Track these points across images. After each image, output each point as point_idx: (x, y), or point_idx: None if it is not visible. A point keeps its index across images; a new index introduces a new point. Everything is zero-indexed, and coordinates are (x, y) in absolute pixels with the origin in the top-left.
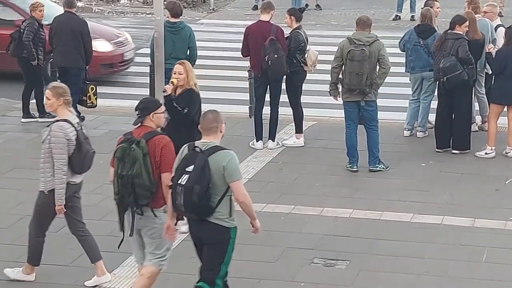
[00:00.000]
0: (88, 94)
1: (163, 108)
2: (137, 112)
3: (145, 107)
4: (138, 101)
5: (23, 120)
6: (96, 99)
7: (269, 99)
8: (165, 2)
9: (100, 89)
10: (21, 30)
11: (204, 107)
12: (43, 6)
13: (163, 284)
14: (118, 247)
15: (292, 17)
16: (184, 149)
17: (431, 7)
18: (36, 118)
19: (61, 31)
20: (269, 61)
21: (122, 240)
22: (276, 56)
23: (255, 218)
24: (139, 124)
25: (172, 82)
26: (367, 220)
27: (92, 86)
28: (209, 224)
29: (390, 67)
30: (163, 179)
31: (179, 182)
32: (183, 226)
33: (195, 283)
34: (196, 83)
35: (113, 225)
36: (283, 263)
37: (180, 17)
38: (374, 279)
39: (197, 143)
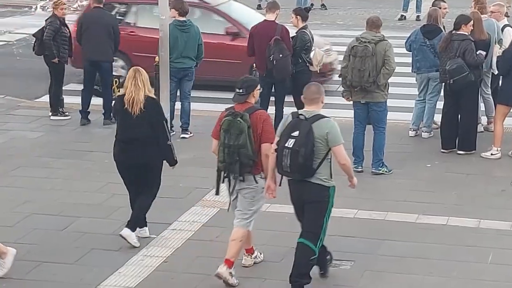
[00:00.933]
0: (112, 87)
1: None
2: (241, 90)
3: (250, 85)
4: (240, 80)
5: (52, 117)
6: (119, 91)
7: (274, 99)
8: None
9: None
10: (44, 29)
11: (210, 106)
12: (64, 4)
13: (168, 283)
14: (228, 210)
15: (298, 16)
16: (288, 117)
17: (439, 8)
18: (68, 116)
19: (93, 26)
20: (274, 61)
21: (230, 203)
22: (281, 55)
23: (352, 177)
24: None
25: None
26: (371, 221)
27: (116, 79)
28: (310, 184)
29: (394, 69)
30: (262, 149)
31: (286, 145)
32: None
33: (297, 239)
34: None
35: (118, 224)
36: (288, 263)
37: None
38: (378, 280)
39: (301, 111)
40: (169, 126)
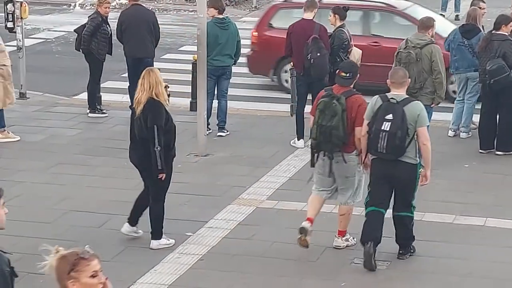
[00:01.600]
0: None
1: None
2: (348, 75)
3: (355, 70)
4: (346, 64)
5: (90, 115)
6: (168, 99)
7: (311, 98)
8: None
9: None
10: (85, 25)
11: (247, 105)
12: (109, 2)
13: (204, 281)
14: (308, 181)
15: (336, 15)
16: (377, 101)
17: (478, 7)
18: (105, 114)
19: (134, 23)
20: (312, 60)
21: (312, 176)
22: (318, 54)
23: (429, 167)
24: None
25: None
26: None
27: (166, 86)
28: (402, 163)
29: (444, 76)
30: (356, 132)
31: (382, 128)
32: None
33: (393, 212)
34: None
35: None
36: (324, 263)
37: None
38: (415, 280)
39: (390, 95)
40: (159, 133)
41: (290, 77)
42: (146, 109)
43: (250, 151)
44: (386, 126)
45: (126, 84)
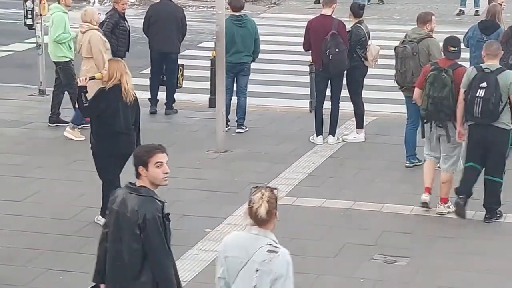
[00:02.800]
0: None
1: None
2: (456, 48)
3: (459, 44)
4: (451, 39)
5: None
6: (182, 80)
7: (330, 94)
8: None
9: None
10: (104, 22)
11: (265, 101)
12: None
13: None
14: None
15: (351, 12)
16: (472, 71)
17: (498, 3)
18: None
19: (162, 18)
20: (330, 55)
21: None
22: (337, 50)
23: None
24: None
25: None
26: (427, 217)
27: (180, 67)
28: (495, 128)
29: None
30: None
31: (477, 95)
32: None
33: (484, 176)
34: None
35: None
36: (343, 259)
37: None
38: (434, 277)
39: (483, 65)
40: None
41: (309, 73)
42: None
43: (269, 147)
44: (480, 93)
45: (145, 81)
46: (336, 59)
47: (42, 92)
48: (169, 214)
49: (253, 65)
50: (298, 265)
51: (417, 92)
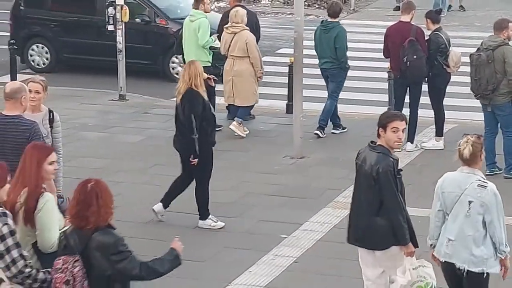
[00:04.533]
0: None
1: None
2: None
3: None
4: None
5: None
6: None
7: (408, 101)
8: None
9: None
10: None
11: (344, 108)
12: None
13: (299, 283)
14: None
15: (428, 19)
16: None
17: None
18: None
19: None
20: (408, 62)
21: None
22: (415, 57)
23: None
24: None
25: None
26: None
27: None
28: None
29: None
30: None
31: None
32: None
33: None
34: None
35: (252, 222)
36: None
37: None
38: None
39: None
40: (196, 121)
41: (388, 80)
42: (184, 99)
43: (346, 153)
44: None
45: (221, 86)
46: (414, 66)
47: (122, 97)
48: (401, 170)
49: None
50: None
51: None
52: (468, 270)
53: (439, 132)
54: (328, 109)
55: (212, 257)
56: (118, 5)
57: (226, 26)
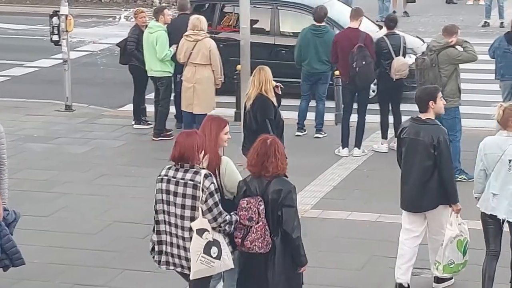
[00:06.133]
0: None
1: None
2: None
3: None
4: None
5: (135, 126)
6: None
7: (356, 107)
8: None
9: None
10: (127, 39)
11: (291, 115)
12: (143, 12)
13: None
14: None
15: (384, 25)
16: None
17: None
18: (150, 125)
19: (180, 33)
20: (357, 68)
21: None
22: (364, 63)
23: None
24: None
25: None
26: None
27: None
28: None
29: (475, 55)
30: None
31: None
32: None
33: None
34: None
35: None
36: (370, 271)
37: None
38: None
39: None
40: (271, 126)
41: (335, 86)
42: (255, 104)
43: (294, 160)
44: None
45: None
46: (363, 72)
47: (68, 108)
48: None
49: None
50: (324, 278)
51: None
52: (508, 221)
53: (383, 135)
54: (321, 112)
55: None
56: (63, 15)
57: (187, 33)
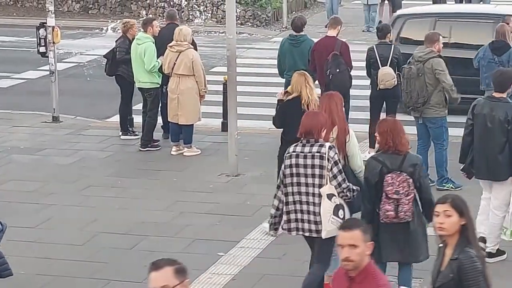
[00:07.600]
0: None
1: None
2: None
3: None
4: None
5: (122, 137)
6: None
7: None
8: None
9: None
10: (115, 50)
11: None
12: (134, 24)
13: None
14: None
15: None
16: None
17: (507, 23)
18: (138, 136)
19: (168, 42)
20: (331, 75)
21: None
22: (337, 70)
23: None
24: None
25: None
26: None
27: None
28: None
29: (451, 83)
30: None
31: None
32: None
33: None
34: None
35: (186, 242)
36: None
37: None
38: None
39: None
40: None
41: None
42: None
43: None
44: None
45: None
46: (337, 79)
47: (55, 119)
48: None
49: (255, 88)
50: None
51: None
52: None
53: (372, 144)
54: None
55: (147, 278)
56: (49, 26)
57: (170, 44)
